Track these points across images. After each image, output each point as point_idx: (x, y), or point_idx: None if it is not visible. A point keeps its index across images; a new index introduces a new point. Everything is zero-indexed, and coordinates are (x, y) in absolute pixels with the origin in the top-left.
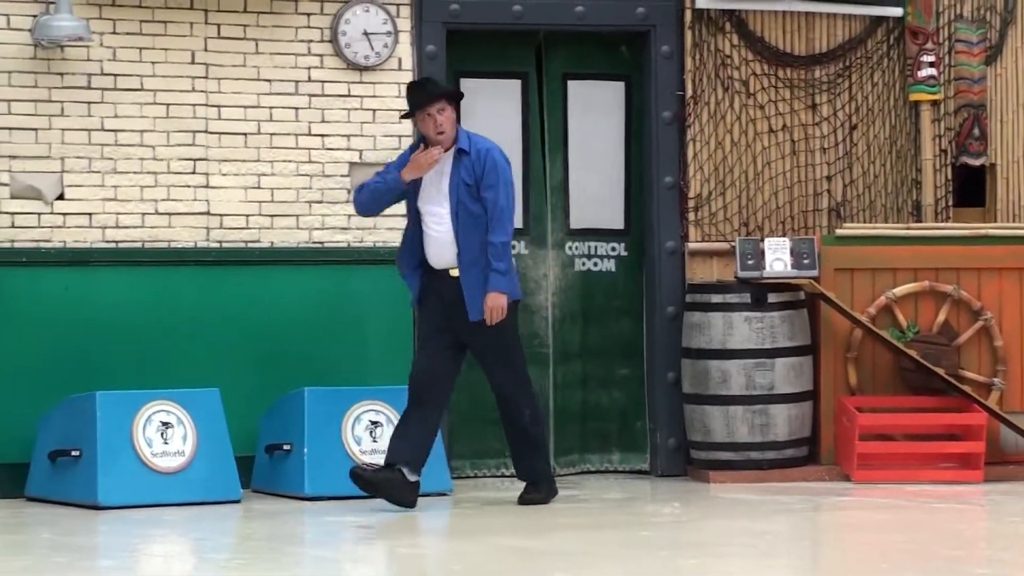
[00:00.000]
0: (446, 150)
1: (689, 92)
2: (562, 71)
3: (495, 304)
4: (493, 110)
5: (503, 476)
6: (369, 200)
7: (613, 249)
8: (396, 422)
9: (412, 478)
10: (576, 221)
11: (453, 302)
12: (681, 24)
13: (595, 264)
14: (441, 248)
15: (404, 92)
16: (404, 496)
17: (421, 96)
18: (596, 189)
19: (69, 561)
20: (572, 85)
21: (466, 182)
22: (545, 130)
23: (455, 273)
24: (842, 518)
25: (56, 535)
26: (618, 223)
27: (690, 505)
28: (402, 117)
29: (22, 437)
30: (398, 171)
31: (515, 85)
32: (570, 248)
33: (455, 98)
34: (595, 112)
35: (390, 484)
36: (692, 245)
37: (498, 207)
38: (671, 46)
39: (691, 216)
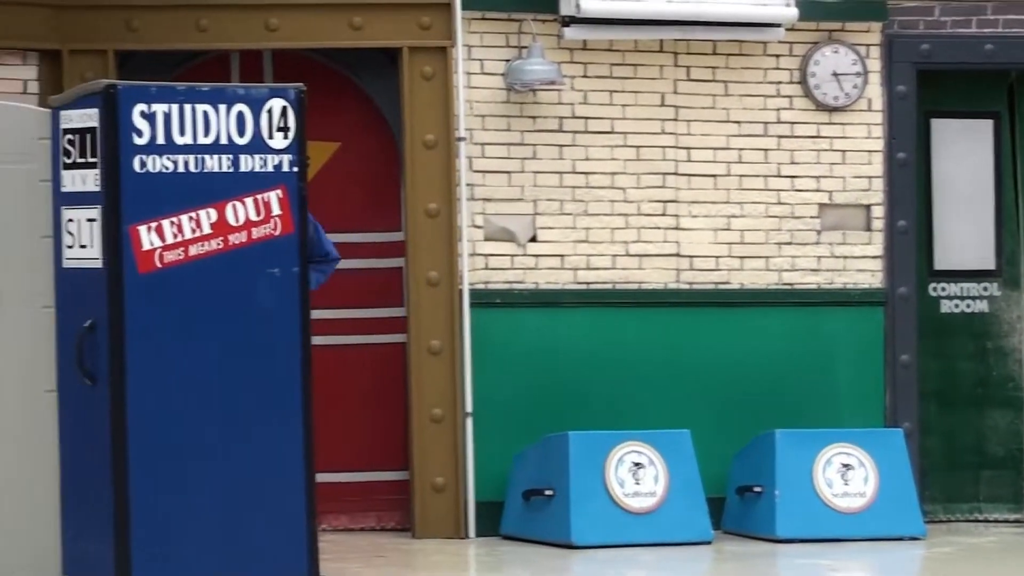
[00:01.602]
0: None
1: None
2: None
3: None
4: (965, 151)
5: (976, 520)
6: None
7: None
8: (871, 465)
9: None
10: None
11: None
12: None
13: None
14: None
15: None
16: None
17: None
18: None
19: None
20: None
21: None
22: (1018, 171)
23: None
24: None
25: (532, 574)
26: None
27: None
28: None
29: (498, 476)
30: None
31: (987, 125)
32: None
33: None
34: None
35: None
36: None
37: None
38: None
39: None
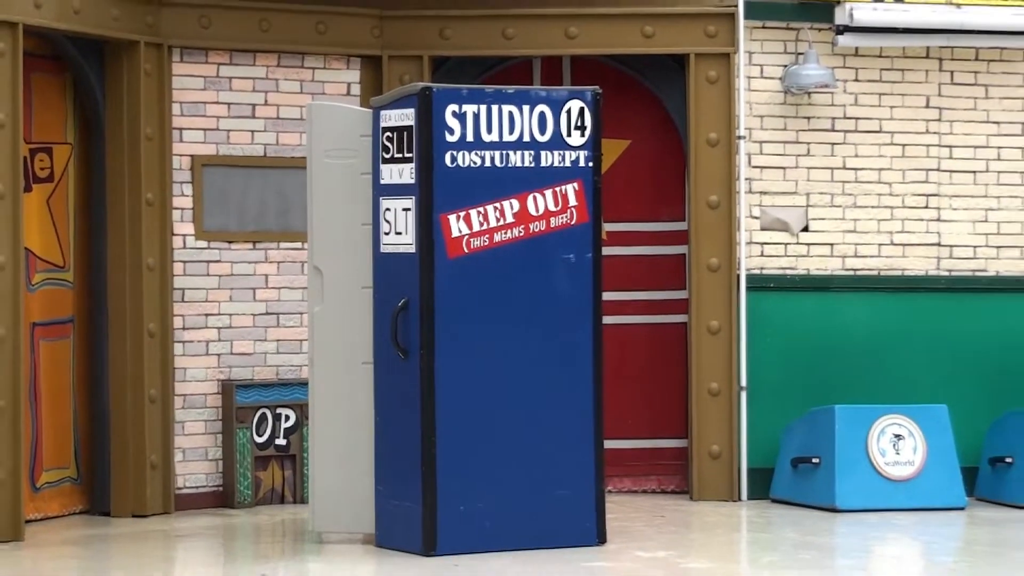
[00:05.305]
0: None
1: None
2: None
3: None
4: None
5: None
6: None
7: None
8: None
9: None
10: None
11: None
12: None
13: None
14: None
15: None
16: None
17: None
18: None
19: (812, 559)
20: None
21: None
22: None
23: None
24: None
25: (799, 535)
26: None
27: None
28: None
29: (769, 445)
30: None
31: None
32: None
33: None
34: None
35: None
36: None
37: None
38: None
39: None
